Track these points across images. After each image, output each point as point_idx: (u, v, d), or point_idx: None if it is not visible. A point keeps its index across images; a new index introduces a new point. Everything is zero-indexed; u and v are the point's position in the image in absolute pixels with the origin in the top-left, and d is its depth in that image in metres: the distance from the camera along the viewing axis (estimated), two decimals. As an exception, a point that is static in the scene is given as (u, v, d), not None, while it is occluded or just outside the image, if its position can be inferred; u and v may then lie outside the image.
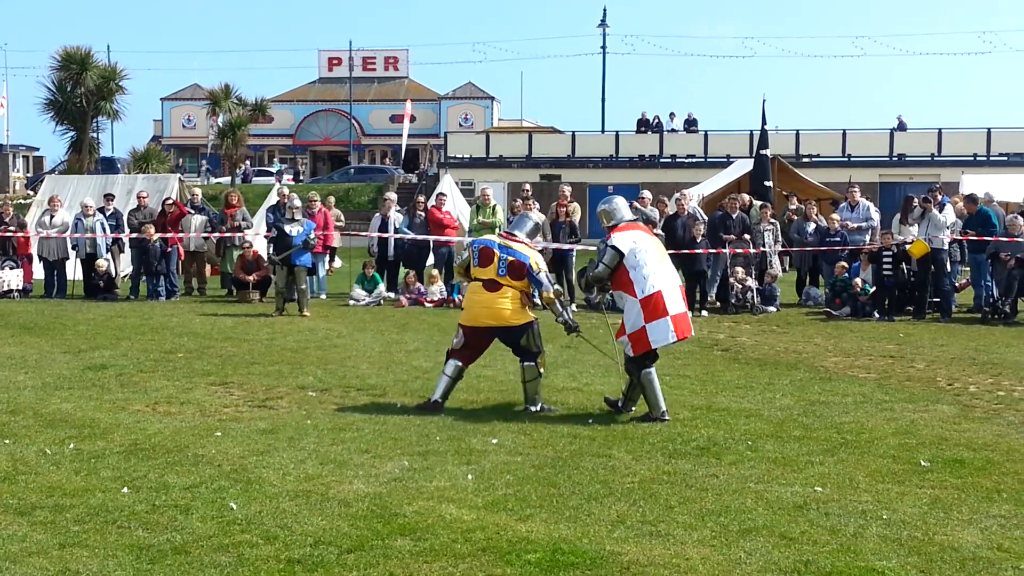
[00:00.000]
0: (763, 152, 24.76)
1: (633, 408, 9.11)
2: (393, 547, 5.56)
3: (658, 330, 8.80)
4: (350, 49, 71.85)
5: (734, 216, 18.52)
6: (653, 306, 8.80)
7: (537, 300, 9.49)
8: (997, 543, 5.69)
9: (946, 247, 17.19)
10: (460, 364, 9.44)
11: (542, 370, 9.29)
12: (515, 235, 9.43)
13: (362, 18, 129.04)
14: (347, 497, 6.46)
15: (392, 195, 21.88)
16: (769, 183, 24.11)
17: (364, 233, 20.29)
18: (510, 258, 9.19)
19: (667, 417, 8.79)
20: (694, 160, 44.81)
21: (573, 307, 18.06)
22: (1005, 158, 42.20)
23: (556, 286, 9.56)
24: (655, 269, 8.91)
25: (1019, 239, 16.31)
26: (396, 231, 19.77)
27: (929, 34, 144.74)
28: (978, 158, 42.19)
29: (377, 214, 20.74)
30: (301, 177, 59.86)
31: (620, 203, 9.45)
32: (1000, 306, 16.22)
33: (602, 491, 6.67)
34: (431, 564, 5.31)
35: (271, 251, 17.30)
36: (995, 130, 44.35)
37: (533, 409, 9.08)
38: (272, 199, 23.06)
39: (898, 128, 46.59)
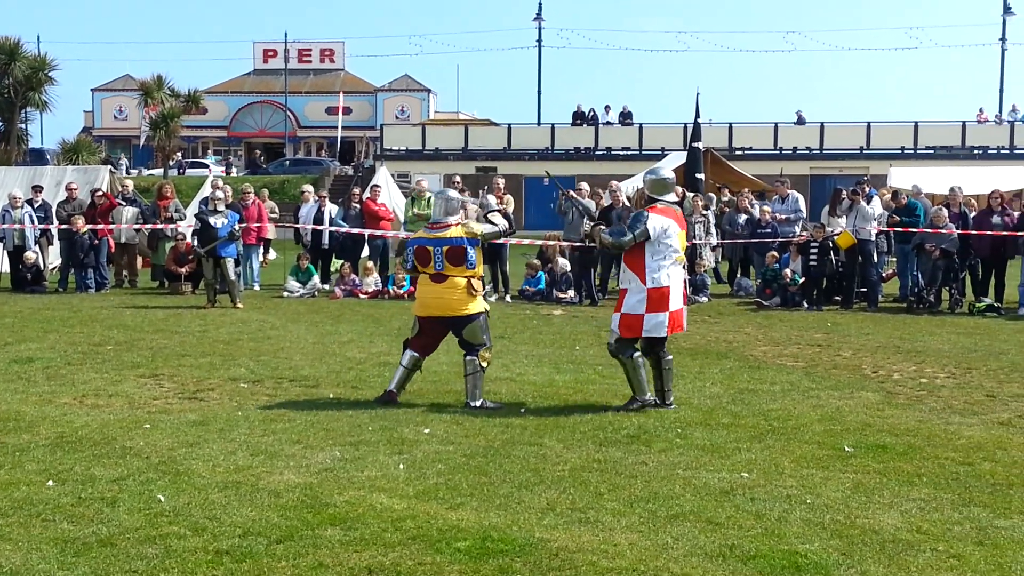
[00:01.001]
0: (695, 145, 24.95)
1: (672, 399, 9.00)
2: (323, 537, 5.55)
3: (654, 322, 8.79)
4: (285, 41, 71.25)
5: (667, 208, 18.65)
6: (658, 299, 8.76)
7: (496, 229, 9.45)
8: (916, 525, 5.83)
9: (873, 238, 17.51)
10: (416, 355, 9.39)
11: (484, 364, 9.18)
12: (438, 223, 9.32)
13: (298, 10, 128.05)
14: (277, 488, 6.44)
15: (309, 187, 21.85)
16: (701, 175, 24.29)
17: (299, 225, 20.16)
18: (445, 248, 9.16)
19: (651, 400, 8.84)
20: (629, 152, 45.14)
21: (508, 298, 18.14)
22: (932, 151, 43.02)
23: (490, 225, 9.48)
24: (673, 263, 8.87)
25: (943, 230, 16.66)
26: (329, 223, 19.70)
27: (858, 30, 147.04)
28: (905, 151, 42.95)
29: (306, 205, 20.64)
30: (233, 169, 59.22)
31: (671, 176, 9.27)
32: (925, 296, 16.58)
33: (533, 479, 6.72)
34: (360, 553, 5.32)
35: (195, 244, 17.13)
36: (922, 124, 45.20)
37: (473, 404, 8.98)
38: (206, 191, 22.85)
39: (797, 122, 47.14)
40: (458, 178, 21.42)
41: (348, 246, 20.11)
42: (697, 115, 25.38)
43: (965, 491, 6.49)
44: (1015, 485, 6.62)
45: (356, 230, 19.67)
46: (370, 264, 19.48)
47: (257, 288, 19.56)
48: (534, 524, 5.81)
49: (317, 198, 20.59)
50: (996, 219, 17.05)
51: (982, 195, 18.29)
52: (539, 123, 52.35)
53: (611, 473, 6.87)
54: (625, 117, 48.82)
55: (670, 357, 9.05)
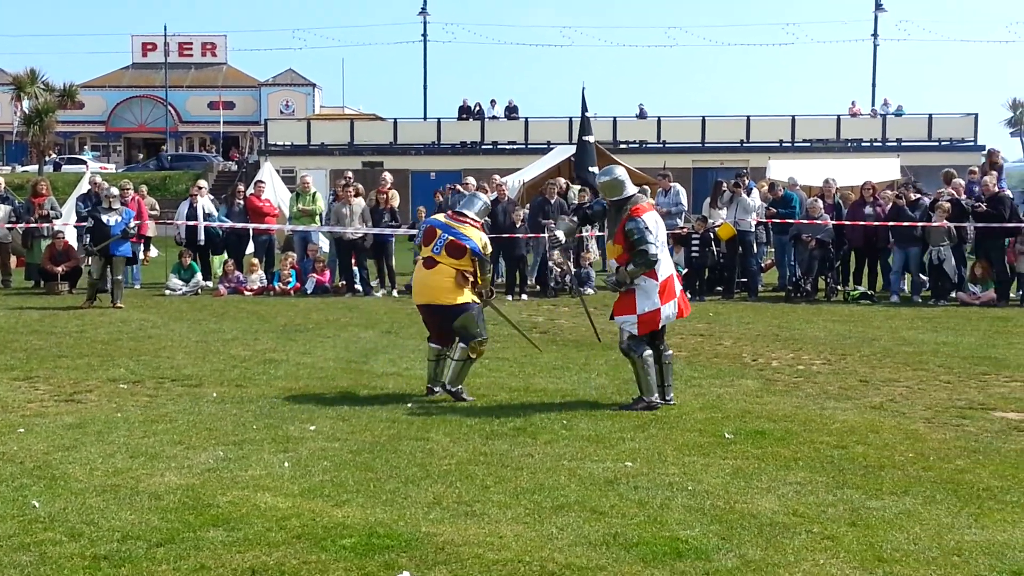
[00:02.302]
0: (586, 139, 25.15)
1: (672, 394, 8.89)
2: (205, 538, 5.47)
3: (670, 309, 8.80)
4: (165, 34, 69.68)
5: (552, 201, 18.83)
6: (670, 287, 8.80)
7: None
8: (793, 508, 5.99)
9: (753, 229, 17.92)
10: (436, 347, 9.34)
11: (473, 355, 9.12)
12: (463, 215, 9.26)
13: (178, 3, 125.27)
14: (158, 490, 6.32)
15: (204, 183, 21.48)
16: (595, 169, 24.48)
17: (171, 222, 19.80)
18: (450, 237, 9.07)
19: (659, 402, 8.69)
20: (515, 147, 45.30)
21: (395, 293, 18.07)
22: (808, 144, 44.15)
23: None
24: (665, 253, 8.93)
25: (819, 221, 17.13)
26: (204, 218, 19.40)
27: (736, 26, 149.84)
28: (783, 144, 43.99)
29: (184, 201, 20.31)
30: (112, 164, 57.77)
31: (622, 172, 9.10)
32: (802, 285, 17.04)
33: (419, 474, 6.72)
34: (244, 554, 5.26)
35: (88, 241, 16.66)
36: (798, 117, 46.35)
37: (449, 389, 9.03)
38: (83, 187, 22.27)
39: (639, 116, 47.83)
40: (350, 173, 21.30)
41: (232, 243, 19.81)
42: (585, 109, 25.62)
43: (839, 474, 6.70)
44: (886, 467, 6.86)
45: (228, 224, 19.36)
46: (255, 261, 19.22)
47: (138, 287, 19.13)
48: (420, 519, 5.82)
49: (189, 195, 20.28)
50: (868, 210, 17.60)
51: (855, 186, 18.82)
52: (425, 118, 52.20)
53: (497, 466, 6.91)
54: (511, 111, 48.98)
55: (670, 352, 9.00)
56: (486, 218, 9.57)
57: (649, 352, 8.75)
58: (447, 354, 9.26)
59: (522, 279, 18.09)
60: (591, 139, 24.46)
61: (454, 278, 9.06)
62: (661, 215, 18.98)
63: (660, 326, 8.82)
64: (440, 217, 9.52)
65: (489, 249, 9.30)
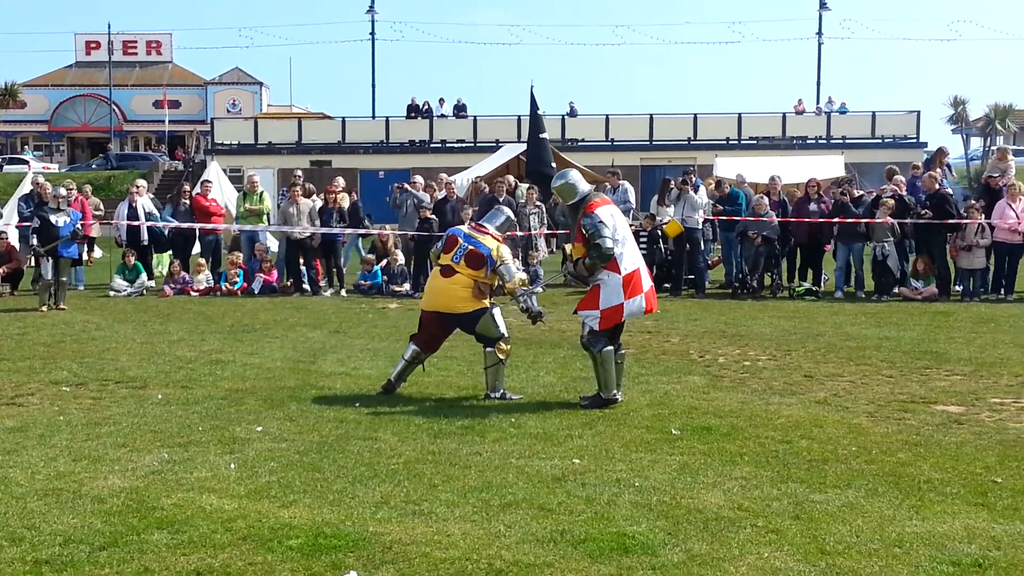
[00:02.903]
0: (542, 136, 25.16)
1: (620, 392, 8.80)
2: (149, 541, 5.42)
3: (634, 305, 8.71)
4: (109, 32, 68.72)
5: (501, 199, 18.83)
6: (634, 283, 8.68)
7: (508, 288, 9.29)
8: (738, 503, 6.05)
9: (700, 226, 18.04)
10: (418, 349, 9.32)
11: (502, 356, 9.09)
12: (484, 227, 9.27)
13: (122, 0, 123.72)
14: (101, 493, 6.25)
15: (142, 182, 21.24)
16: (554, 165, 24.46)
17: (112, 222, 19.57)
18: (469, 247, 9.05)
19: (619, 398, 8.68)
20: (464, 145, 45.27)
21: (343, 293, 17.99)
22: (754, 141, 44.55)
23: (521, 274, 9.37)
24: (631, 246, 8.82)
25: (764, 218, 17.29)
26: (146, 217, 19.21)
27: (683, 24, 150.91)
28: (730, 142, 44.35)
29: (123, 201, 20.09)
30: (55, 164, 56.97)
31: (575, 175, 9.12)
32: (748, 281, 17.18)
33: (367, 473, 6.70)
34: (189, 556, 5.22)
35: (35, 243, 16.42)
36: (745, 115, 46.75)
37: (493, 396, 8.98)
38: (25, 188, 21.94)
39: (569, 114, 47.97)
40: (299, 172, 21.18)
41: (179, 243, 19.62)
42: (536, 107, 25.63)
43: (784, 468, 6.77)
44: (830, 461, 6.95)
45: (174, 224, 19.16)
46: (201, 261, 19.04)
47: (81, 288, 18.87)
48: (368, 518, 5.81)
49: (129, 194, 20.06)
50: (813, 206, 17.79)
51: (800, 183, 19.01)
52: (374, 116, 52.01)
53: (445, 464, 6.91)
54: (459, 110, 48.94)
55: (623, 352, 8.98)
56: (507, 233, 9.58)
57: (610, 348, 8.73)
58: (422, 360, 9.36)
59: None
60: (546, 136, 24.46)
61: (471, 289, 9.07)
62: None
63: (625, 318, 8.81)
64: (464, 228, 9.56)
65: (507, 258, 9.21)
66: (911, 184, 18.52)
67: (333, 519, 5.79)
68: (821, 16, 56.61)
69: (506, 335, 9.19)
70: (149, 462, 6.98)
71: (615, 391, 8.71)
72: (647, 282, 8.87)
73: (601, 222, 8.61)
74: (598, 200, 8.88)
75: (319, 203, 18.85)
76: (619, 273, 8.65)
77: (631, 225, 18.50)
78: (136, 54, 71.97)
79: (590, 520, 5.77)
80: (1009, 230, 16.48)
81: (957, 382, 9.71)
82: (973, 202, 17.95)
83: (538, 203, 19.96)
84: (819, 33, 56.78)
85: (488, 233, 9.25)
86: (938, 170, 18.83)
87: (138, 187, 20.26)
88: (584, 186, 9.02)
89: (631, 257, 8.75)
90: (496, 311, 9.20)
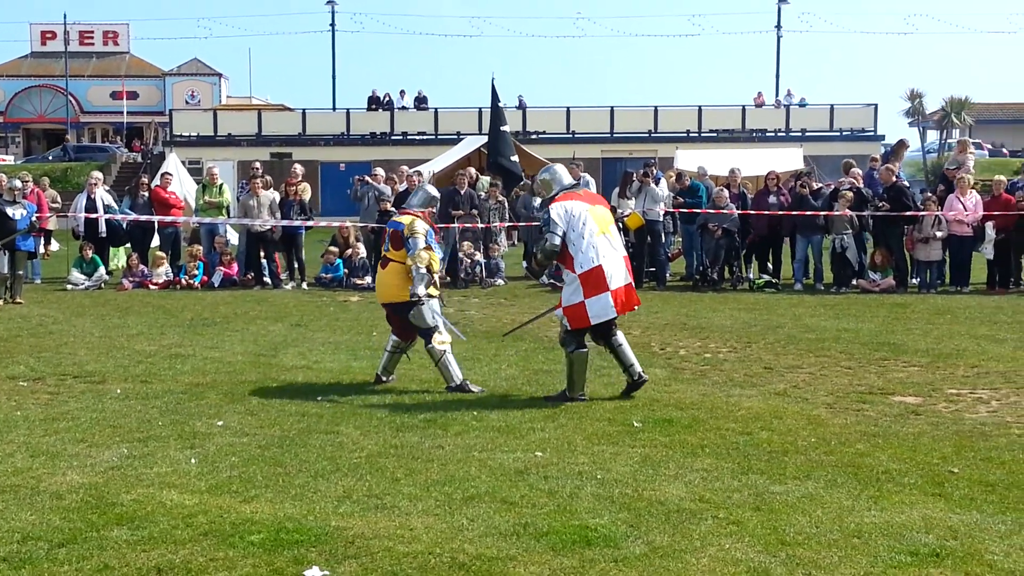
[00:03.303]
0: (503, 128, 25.14)
1: (639, 370, 8.79)
2: (109, 538, 5.38)
3: (598, 305, 8.52)
4: (65, 22, 67.81)
5: (462, 192, 18.83)
6: (594, 280, 8.50)
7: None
8: (699, 495, 6.09)
9: (661, 219, 18.12)
10: (397, 339, 9.41)
11: (442, 348, 9.07)
12: (407, 208, 9.38)
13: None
14: (59, 489, 6.19)
15: (98, 174, 20.97)
16: (515, 157, 24.44)
17: (70, 214, 19.34)
18: (390, 229, 9.19)
19: (584, 398, 8.62)
20: (425, 137, 45.16)
21: (304, 285, 17.92)
22: (715, 134, 44.76)
23: (429, 253, 9.12)
24: (595, 241, 8.56)
25: (724, 211, 17.39)
26: (104, 210, 19.00)
27: (643, 17, 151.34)
28: (691, 134, 44.53)
29: (81, 193, 19.86)
30: (10, 156, 56.21)
31: (559, 171, 9.12)
32: (709, 274, 17.28)
33: (329, 467, 6.68)
34: (149, 552, 5.18)
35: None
36: (705, 108, 46.93)
37: (453, 386, 9.02)
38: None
39: (518, 107, 47.79)
40: (258, 164, 21.03)
41: (137, 236, 19.45)
42: (498, 99, 25.60)
43: (744, 460, 6.83)
44: (789, 452, 7.01)
45: (132, 217, 18.98)
46: (161, 254, 18.88)
47: (38, 282, 18.67)
48: (330, 512, 5.79)
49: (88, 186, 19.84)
50: (772, 199, 17.91)
51: (760, 176, 19.13)
52: (334, 108, 51.73)
53: (408, 458, 6.91)
54: (420, 102, 48.76)
55: (619, 336, 8.86)
56: (430, 208, 9.52)
57: (582, 350, 8.65)
58: (405, 348, 9.42)
59: (432, 270, 18.04)
60: (507, 128, 24.45)
61: (402, 276, 9.11)
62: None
63: (591, 323, 8.62)
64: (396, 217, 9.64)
65: (420, 231, 9.12)
66: (868, 176, 18.69)
67: (295, 514, 5.77)
68: (780, 9, 56.92)
69: (436, 326, 9.17)
70: (108, 457, 6.92)
71: (580, 392, 8.67)
72: (617, 280, 8.62)
73: (550, 219, 8.63)
74: (562, 196, 8.85)
75: (278, 195, 18.73)
76: (573, 271, 8.62)
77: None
78: (93, 44, 71.02)
79: (552, 513, 5.78)
80: (958, 222, 16.68)
81: (914, 373, 9.82)
82: (930, 194, 18.15)
83: (500, 198, 19.96)
84: (778, 26, 57.09)
85: (408, 212, 9.34)
86: (896, 163, 19.01)
87: (96, 179, 20.02)
88: (563, 182, 8.99)
89: (591, 254, 8.57)
90: (429, 303, 9.19)
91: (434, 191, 9.79)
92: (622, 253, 8.88)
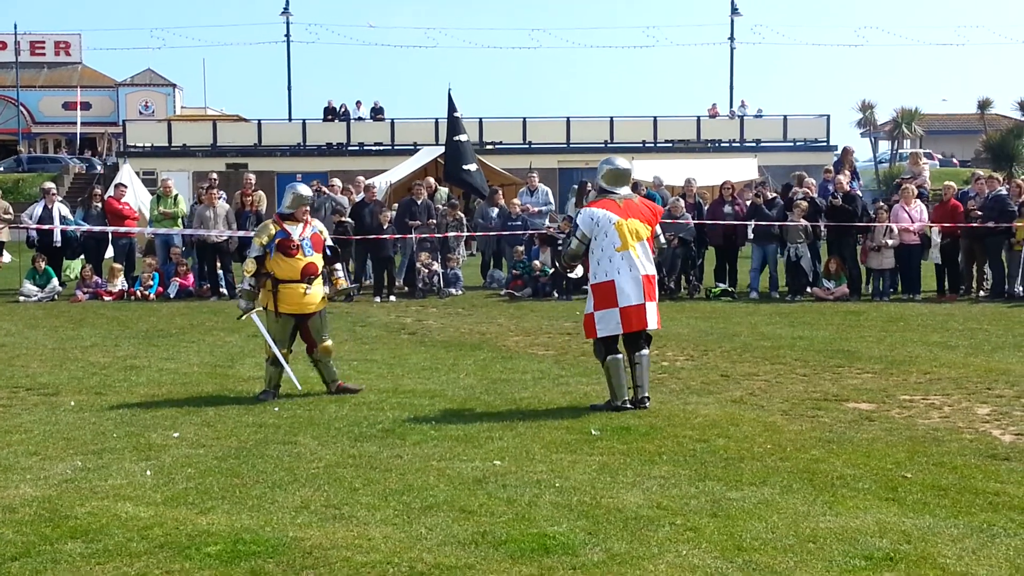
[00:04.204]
0: (458, 138, 25.10)
1: (645, 394, 8.66)
2: (63, 551, 5.32)
3: (605, 320, 8.46)
4: (15, 32, 67.02)
5: (419, 202, 18.81)
6: (604, 294, 8.46)
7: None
8: (657, 502, 6.13)
9: (617, 229, 18.17)
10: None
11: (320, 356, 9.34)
12: (278, 212, 9.51)
13: (29, 0, 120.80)
14: (12, 503, 6.12)
15: (50, 185, 20.73)
16: (470, 167, 24.38)
17: (24, 226, 19.09)
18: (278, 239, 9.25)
19: (629, 405, 8.51)
20: (381, 148, 45.05)
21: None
22: (670, 144, 44.98)
23: (251, 263, 9.28)
24: (612, 255, 8.45)
25: (681, 220, 17.50)
26: (61, 221, 18.81)
27: (598, 28, 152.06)
28: (646, 145, 44.71)
29: (38, 203, 19.64)
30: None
31: (608, 174, 8.83)
32: (665, 283, 17.34)
33: (287, 478, 6.65)
34: (104, 565, 5.13)
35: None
36: (660, 119, 47.15)
37: (263, 390, 9.23)
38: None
39: (372, 113, 47.93)
40: (214, 175, 20.89)
41: (91, 247, 19.25)
42: (454, 109, 25.58)
43: (701, 466, 6.87)
44: (746, 458, 7.06)
45: (86, 228, 18.78)
46: (116, 265, 18.70)
47: (-11, 293, 18.43)
48: (288, 523, 5.76)
49: (43, 196, 19.62)
50: (728, 208, 18.06)
51: (715, 186, 19.28)
52: (290, 119, 51.45)
53: (366, 468, 6.89)
54: (377, 113, 48.67)
55: (645, 352, 8.72)
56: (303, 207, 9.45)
57: (614, 357, 8.54)
58: (319, 357, 9.43)
59: (390, 280, 18.01)
60: (463, 138, 24.41)
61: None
62: (531, 214, 19.35)
63: (598, 335, 8.56)
64: None
65: (254, 240, 9.32)
66: (823, 187, 18.89)
67: (252, 525, 5.74)
68: (733, 21, 57.40)
69: (270, 341, 9.26)
70: (62, 470, 6.85)
71: (622, 399, 8.55)
72: (629, 299, 8.45)
73: (580, 222, 8.67)
74: (601, 200, 8.75)
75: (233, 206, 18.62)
76: (588, 280, 8.69)
77: (548, 228, 18.71)
78: (44, 55, 70.25)
79: (511, 521, 5.79)
80: (905, 231, 16.91)
81: (868, 380, 9.93)
82: (882, 203, 18.38)
83: (459, 215, 19.95)
84: (731, 38, 57.56)
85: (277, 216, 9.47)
86: (847, 172, 19.24)
87: (55, 191, 19.78)
88: (602, 186, 8.87)
89: (605, 267, 8.49)
90: (254, 315, 9.42)
91: (304, 190, 9.53)
92: (645, 272, 8.62)
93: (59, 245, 18.94)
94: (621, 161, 9.06)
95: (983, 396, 9.07)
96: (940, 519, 5.76)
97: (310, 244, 9.22)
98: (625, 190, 8.90)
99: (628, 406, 8.54)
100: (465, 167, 23.74)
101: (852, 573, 5.03)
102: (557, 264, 9.33)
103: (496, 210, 19.92)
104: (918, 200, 17.45)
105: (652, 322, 8.68)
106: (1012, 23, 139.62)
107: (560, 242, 17.61)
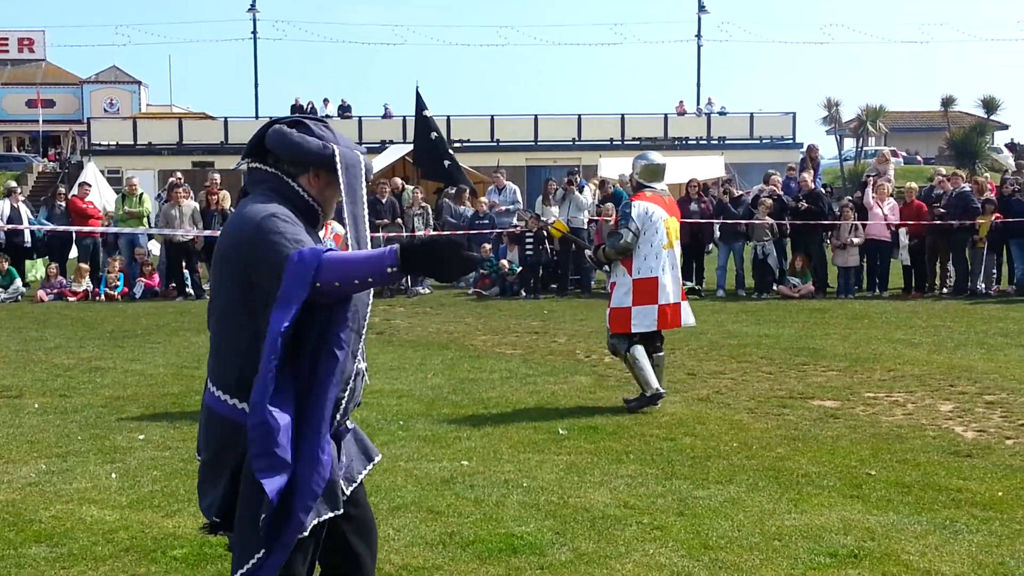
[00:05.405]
0: (433, 135, 25.01)
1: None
2: (27, 555, 5.28)
3: (642, 316, 8.43)
4: (-22, 29, 66.39)
5: (384, 201, 18.78)
6: (647, 290, 8.41)
7: None
8: (624, 501, 6.15)
9: (585, 227, 18.24)
10: None
11: None
12: None
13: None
14: (-25, 507, 6.07)
15: (12, 183, 20.52)
16: (452, 161, 24.25)
17: (5, 227, 18.89)
18: None
19: (663, 391, 8.49)
20: (349, 146, 44.87)
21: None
22: (638, 142, 45.07)
23: None
24: (660, 252, 8.47)
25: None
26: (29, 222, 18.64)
27: (565, 26, 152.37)
28: (614, 142, 44.85)
29: (2, 201, 19.44)
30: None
31: (650, 172, 8.71)
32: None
33: (253, 480, 6.61)
34: (69, 570, 5.10)
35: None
36: (628, 116, 47.34)
37: None
38: None
39: (384, 116, 47.79)
40: (179, 174, 20.75)
41: (55, 247, 19.08)
42: (423, 107, 25.50)
43: (668, 465, 6.91)
44: (712, 457, 7.11)
45: (49, 227, 18.62)
46: (83, 265, 18.54)
47: (-49, 294, 18.21)
48: (254, 526, 5.73)
49: (7, 195, 19.41)
50: (694, 206, 18.13)
51: (682, 183, 19.33)
52: (257, 116, 51.20)
53: (333, 469, 6.86)
54: (344, 110, 48.56)
55: (662, 354, 8.77)
56: None
57: (637, 347, 8.50)
58: None
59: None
60: (435, 135, 24.32)
61: None
62: (499, 212, 19.35)
63: (632, 331, 8.50)
64: None
65: None
66: (786, 184, 19.01)
67: (219, 528, 5.70)
68: (700, 19, 57.74)
69: None
70: (26, 474, 6.79)
71: (657, 387, 8.50)
72: (669, 297, 8.50)
73: (630, 215, 8.48)
74: (649, 194, 8.66)
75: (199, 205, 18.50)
76: (631, 273, 8.53)
77: (516, 226, 18.74)
78: (8, 51, 69.61)
79: (479, 521, 5.80)
80: (876, 227, 17.05)
81: (833, 378, 10.01)
82: (848, 200, 18.52)
83: (423, 204, 19.90)
84: (698, 36, 57.89)
85: None
86: (810, 170, 19.37)
87: (19, 189, 19.59)
88: (659, 182, 8.77)
89: (652, 263, 8.48)
90: None
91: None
92: (678, 272, 8.76)
93: (28, 246, 18.77)
94: (656, 156, 9.03)
95: (946, 393, 9.17)
96: (904, 516, 5.82)
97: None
98: (661, 185, 8.88)
99: (662, 391, 8.53)
100: (446, 163, 23.68)
101: (817, 570, 5.07)
102: (594, 254, 9.09)
103: (464, 208, 19.88)
104: (891, 198, 17.60)
105: (689, 319, 8.80)
106: (975, 22, 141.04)
107: (529, 240, 17.67)
